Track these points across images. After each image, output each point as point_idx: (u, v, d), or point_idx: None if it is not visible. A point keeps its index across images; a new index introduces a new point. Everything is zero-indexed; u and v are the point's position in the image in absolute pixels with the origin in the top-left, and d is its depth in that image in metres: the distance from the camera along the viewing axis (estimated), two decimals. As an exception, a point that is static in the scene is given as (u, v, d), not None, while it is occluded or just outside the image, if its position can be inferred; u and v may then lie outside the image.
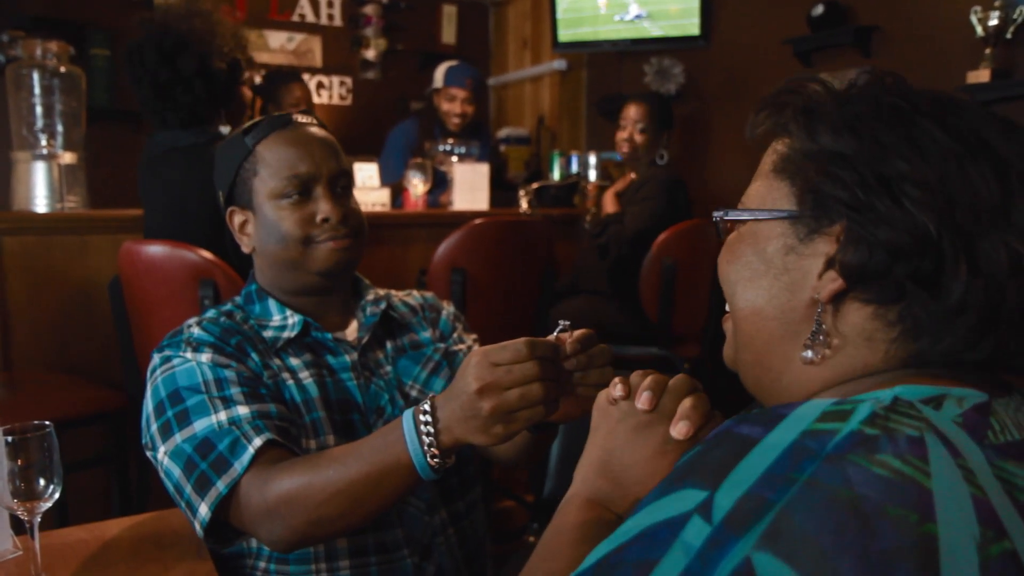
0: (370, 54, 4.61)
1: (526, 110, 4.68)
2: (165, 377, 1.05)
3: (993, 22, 2.37)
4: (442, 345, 1.27)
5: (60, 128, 2.46)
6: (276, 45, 4.40)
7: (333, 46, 4.57)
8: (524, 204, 3.07)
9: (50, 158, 2.44)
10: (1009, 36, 2.39)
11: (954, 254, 0.54)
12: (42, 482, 0.91)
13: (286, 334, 1.15)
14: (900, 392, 0.53)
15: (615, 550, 0.53)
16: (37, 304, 2.30)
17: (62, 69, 2.47)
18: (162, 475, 1.02)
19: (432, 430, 0.85)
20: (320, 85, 4.54)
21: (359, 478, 0.89)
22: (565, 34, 3.84)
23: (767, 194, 0.64)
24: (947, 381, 0.56)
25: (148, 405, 1.06)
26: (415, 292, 1.34)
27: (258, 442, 0.97)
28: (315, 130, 1.17)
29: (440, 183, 3.25)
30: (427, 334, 1.27)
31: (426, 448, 0.85)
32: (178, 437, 1.00)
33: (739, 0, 3.43)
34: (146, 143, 2.10)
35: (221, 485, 0.95)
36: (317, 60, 4.53)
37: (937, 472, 0.47)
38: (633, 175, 3.05)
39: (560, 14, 3.81)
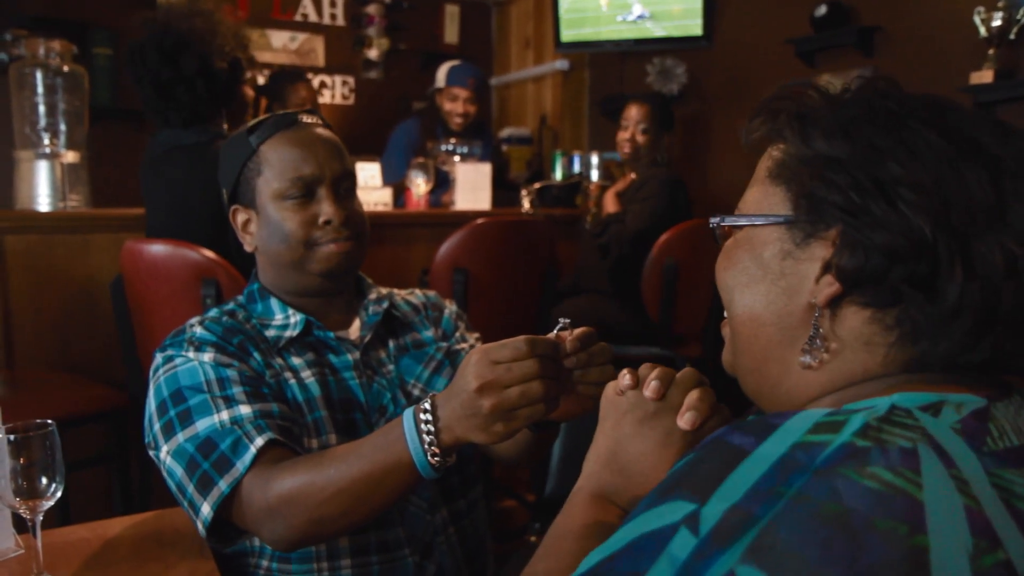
0: (373, 54, 4.61)
1: (528, 110, 4.68)
2: (167, 376, 1.06)
3: (996, 23, 2.37)
4: (444, 344, 1.27)
5: (63, 127, 2.47)
6: (279, 45, 4.40)
7: (336, 46, 4.57)
8: (526, 204, 3.06)
9: (53, 157, 2.44)
10: (1012, 37, 2.38)
11: (949, 257, 0.54)
12: (44, 481, 0.91)
13: (288, 333, 1.15)
14: (898, 400, 0.53)
15: (606, 559, 0.54)
16: (39, 303, 2.30)
17: (65, 68, 2.47)
18: (165, 474, 1.02)
19: (432, 429, 0.85)
20: (323, 85, 4.55)
21: (360, 477, 0.89)
22: (567, 34, 3.83)
23: (763, 200, 0.64)
24: (946, 386, 0.56)
25: (151, 404, 1.06)
26: (417, 291, 1.34)
27: (260, 441, 0.97)
28: (320, 131, 1.17)
29: (442, 183, 3.25)
30: (429, 333, 1.27)
31: (426, 447, 0.85)
32: (180, 436, 1.00)
33: (742, 0, 3.43)
34: (149, 142, 2.10)
35: (223, 484, 0.95)
36: (320, 60, 4.54)
37: (929, 483, 0.47)
38: (633, 175, 3.05)
39: (562, 14, 3.80)
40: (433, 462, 0.86)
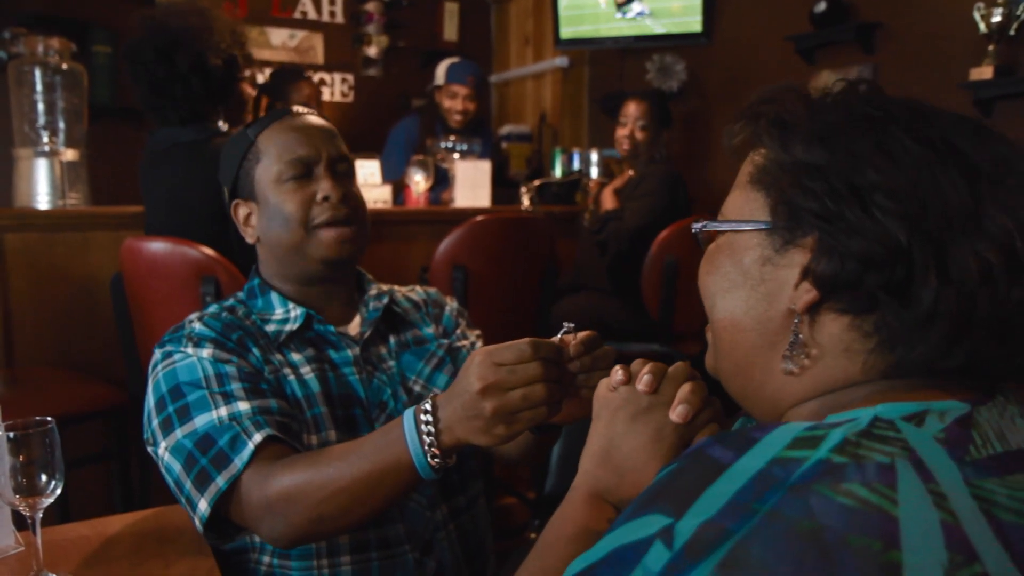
0: (372, 51, 4.61)
1: (528, 107, 4.68)
2: (166, 372, 1.06)
3: (996, 19, 2.37)
4: (446, 341, 1.27)
5: (62, 125, 2.47)
6: (278, 42, 4.40)
7: (335, 43, 4.57)
8: (526, 201, 3.06)
9: (52, 155, 2.44)
10: (1012, 33, 2.38)
11: (924, 263, 0.54)
12: (44, 478, 0.91)
13: (288, 327, 1.15)
14: (881, 411, 0.53)
15: (588, 568, 0.54)
16: (39, 301, 2.30)
17: (64, 66, 2.47)
18: (163, 471, 1.02)
19: (433, 429, 0.85)
20: (322, 82, 4.54)
21: (360, 476, 0.89)
22: (567, 31, 3.83)
23: (744, 205, 0.64)
24: (929, 393, 0.56)
25: (149, 400, 1.06)
26: (418, 288, 1.34)
27: (258, 438, 0.97)
28: (314, 118, 1.20)
29: (442, 180, 3.25)
30: (430, 330, 1.27)
31: (426, 448, 0.85)
32: (179, 433, 1.00)
33: (741, -3, 3.43)
34: (147, 140, 2.10)
35: (221, 481, 0.95)
36: (319, 57, 4.53)
37: (905, 499, 0.47)
38: (631, 172, 3.05)
39: (562, 11, 3.80)
40: (433, 463, 0.86)
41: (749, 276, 0.62)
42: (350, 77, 4.63)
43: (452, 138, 3.31)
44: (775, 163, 0.61)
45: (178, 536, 1.08)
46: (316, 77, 4.49)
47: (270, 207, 1.15)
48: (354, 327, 1.22)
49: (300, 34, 4.47)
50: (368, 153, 3.23)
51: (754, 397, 0.66)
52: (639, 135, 2.99)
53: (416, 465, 0.86)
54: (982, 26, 2.40)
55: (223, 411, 0.99)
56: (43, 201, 2.43)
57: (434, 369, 1.23)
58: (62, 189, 2.44)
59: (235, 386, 1.03)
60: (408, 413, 0.87)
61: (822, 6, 2.91)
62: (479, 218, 2.30)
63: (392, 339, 1.23)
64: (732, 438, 0.54)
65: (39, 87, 2.43)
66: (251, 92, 2.25)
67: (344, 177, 1.17)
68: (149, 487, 2.20)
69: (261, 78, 3.80)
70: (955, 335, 0.55)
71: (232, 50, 2.01)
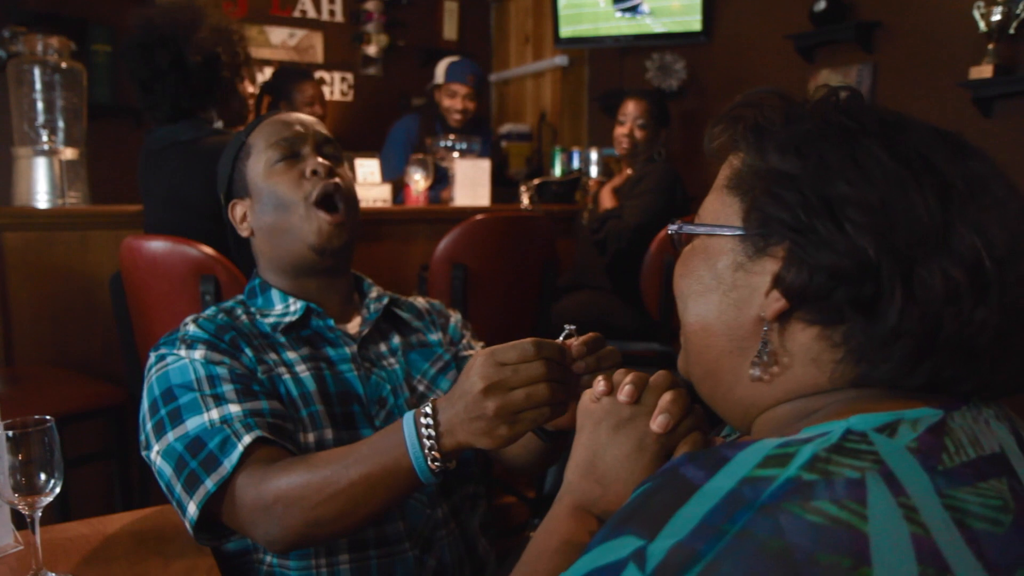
0: (371, 50, 4.61)
1: (527, 106, 4.68)
2: (159, 375, 1.06)
3: (996, 17, 2.36)
4: (452, 348, 1.28)
5: (61, 124, 2.47)
6: (277, 41, 4.40)
7: (334, 42, 4.57)
8: (525, 200, 3.06)
9: (51, 154, 2.44)
10: (1012, 31, 2.38)
11: (891, 279, 0.53)
12: (43, 477, 0.91)
13: (288, 319, 1.16)
14: (854, 423, 0.53)
15: None
16: (38, 299, 2.30)
17: (63, 65, 2.47)
18: (155, 474, 1.01)
19: (433, 433, 0.84)
20: (321, 81, 4.53)
21: (358, 479, 0.88)
22: (566, 30, 3.83)
23: (720, 209, 0.64)
24: (902, 402, 0.55)
25: (143, 404, 1.06)
26: (420, 298, 1.35)
27: (248, 439, 0.96)
28: (301, 114, 1.24)
29: (441, 179, 3.25)
30: (436, 336, 1.28)
31: (427, 451, 0.85)
32: (170, 436, 1.00)
33: (741, -4, 3.43)
34: (145, 138, 2.10)
35: (210, 483, 0.94)
36: (319, 56, 4.53)
37: (874, 514, 0.47)
38: (629, 171, 3.05)
39: (561, 10, 3.80)
40: (433, 467, 0.85)
41: (722, 281, 0.62)
42: (349, 76, 4.63)
43: (452, 137, 3.31)
44: (751, 169, 0.61)
45: (177, 535, 1.08)
46: (315, 76, 4.49)
47: (263, 195, 1.17)
48: (353, 326, 1.22)
49: (300, 33, 4.46)
50: (368, 152, 3.23)
51: (723, 401, 0.66)
52: (638, 134, 2.99)
53: (416, 469, 0.86)
54: (982, 25, 2.40)
55: (214, 414, 0.99)
56: (42, 200, 2.43)
57: (439, 372, 1.23)
58: (61, 188, 2.44)
59: (227, 388, 1.03)
60: (408, 416, 0.87)
61: (821, 5, 2.91)
62: (479, 217, 2.30)
63: (397, 339, 1.23)
64: (704, 458, 0.53)
65: (38, 86, 2.43)
66: (251, 90, 2.24)
67: (332, 158, 1.20)
68: (148, 486, 2.20)
69: (261, 77, 3.79)
70: (919, 354, 0.55)
71: (215, 48, 2.00)
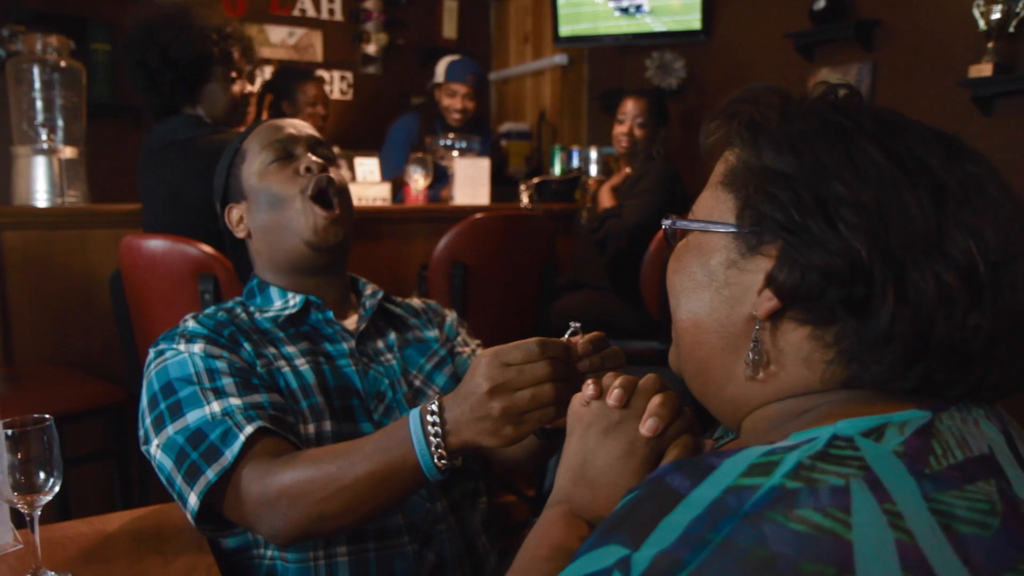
0: (371, 49, 4.61)
1: (527, 105, 4.67)
2: (158, 370, 1.06)
3: (995, 16, 2.36)
4: (448, 344, 1.29)
5: (60, 123, 2.46)
6: (277, 40, 4.39)
7: (334, 41, 4.57)
8: (525, 199, 3.06)
9: (50, 153, 2.44)
10: (1012, 30, 2.38)
11: (883, 281, 0.53)
12: (42, 475, 0.91)
13: (288, 311, 1.17)
14: (841, 428, 0.52)
15: None
16: (38, 298, 2.30)
17: (63, 64, 2.47)
18: (156, 468, 1.01)
19: (440, 431, 0.84)
20: (323, 81, 4.54)
21: (363, 476, 0.88)
22: (566, 29, 3.83)
23: (714, 206, 0.63)
24: (889, 405, 0.55)
25: (143, 400, 1.06)
26: (416, 299, 1.37)
27: (249, 429, 0.96)
28: (294, 120, 1.26)
29: (441, 178, 3.25)
30: (432, 333, 1.29)
31: (433, 449, 0.85)
32: (170, 429, 1.00)
33: (741, -6, 3.42)
34: (144, 137, 2.10)
35: (211, 474, 0.94)
36: (318, 55, 4.53)
37: (859, 522, 0.46)
38: (628, 169, 3.05)
39: (561, 8, 3.80)
40: (440, 464, 0.85)
41: (714, 278, 0.62)
42: (349, 75, 4.63)
43: (451, 136, 3.31)
44: (745, 166, 0.61)
45: (177, 533, 1.08)
46: (318, 76, 4.49)
47: (259, 194, 1.19)
48: (351, 323, 1.23)
49: (299, 32, 4.46)
50: (367, 151, 3.23)
51: (714, 399, 0.66)
52: (637, 132, 2.99)
53: (422, 466, 0.86)
54: (981, 23, 2.40)
55: (215, 406, 0.99)
56: (42, 199, 2.43)
57: (435, 367, 1.24)
58: (61, 187, 2.44)
59: (227, 381, 1.03)
60: (414, 413, 0.87)
61: (821, 3, 2.91)
62: (478, 216, 2.30)
63: (393, 335, 1.24)
64: (690, 467, 0.53)
65: (38, 85, 2.43)
66: (249, 88, 2.24)
67: (325, 159, 1.21)
68: (148, 485, 2.20)
69: (261, 77, 3.78)
70: (910, 357, 0.54)
71: (206, 46, 2.01)
